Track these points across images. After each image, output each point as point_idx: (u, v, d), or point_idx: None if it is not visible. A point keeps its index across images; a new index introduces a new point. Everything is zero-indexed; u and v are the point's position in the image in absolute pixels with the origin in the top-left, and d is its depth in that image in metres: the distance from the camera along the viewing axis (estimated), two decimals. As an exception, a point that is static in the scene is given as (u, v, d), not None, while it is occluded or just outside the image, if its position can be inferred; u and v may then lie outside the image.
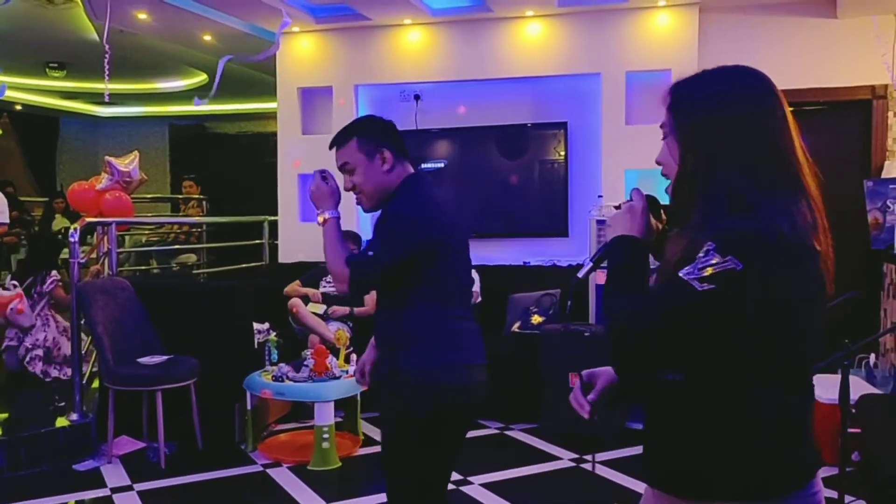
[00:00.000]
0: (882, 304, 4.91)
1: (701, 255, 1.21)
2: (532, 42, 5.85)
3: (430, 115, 6.17)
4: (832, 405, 3.74)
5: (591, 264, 1.38)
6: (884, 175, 5.00)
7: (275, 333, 4.88)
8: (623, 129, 5.59)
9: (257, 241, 6.96)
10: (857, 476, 3.40)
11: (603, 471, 3.95)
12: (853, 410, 3.57)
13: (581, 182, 5.85)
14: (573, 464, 4.09)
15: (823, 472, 3.90)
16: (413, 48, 6.09)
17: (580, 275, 1.38)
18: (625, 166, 5.53)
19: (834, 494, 2.97)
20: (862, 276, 4.94)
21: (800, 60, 5.38)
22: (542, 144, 5.96)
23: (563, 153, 5.87)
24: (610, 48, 5.66)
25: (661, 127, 1.38)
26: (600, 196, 5.46)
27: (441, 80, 6.06)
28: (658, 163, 1.39)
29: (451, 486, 3.71)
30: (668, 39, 5.54)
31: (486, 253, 5.85)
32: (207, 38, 6.49)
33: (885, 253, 4.52)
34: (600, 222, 4.84)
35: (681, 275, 1.22)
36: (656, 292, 1.31)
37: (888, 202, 4.51)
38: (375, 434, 4.60)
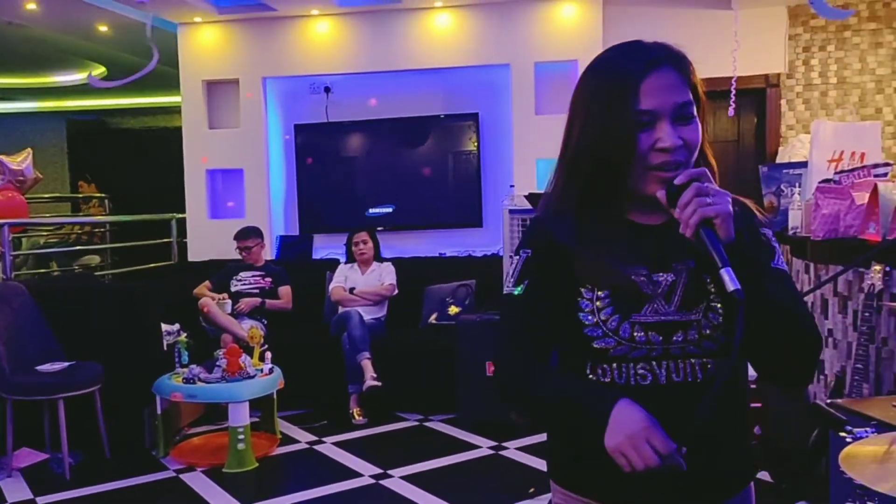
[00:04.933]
0: (779, 283, 5.16)
1: (775, 243, 1.24)
2: (442, 33, 5.86)
3: (342, 108, 6.11)
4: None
5: (731, 268, 1.08)
6: (778, 160, 5.24)
7: (185, 335, 4.74)
8: (533, 119, 5.67)
9: (165, 240, 6.74)
10: (758, 449, 3.55)
11: (521, 457, 4.01)
12: (753, 386, 3.73)
13: (494, 172, 5.91)
14: (492, 452, 4.13)
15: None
16: (322, 40, 6.00)
17: (738, 286, 1.06)
18: (536, 156, 5.61)
19: (738, 467, 3.09)
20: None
21: (698, 51, 5.56)
22: (455, 136, 5.98)
23: (475, 144, 5.91)
24: (518, 39, 5.72)
25: (688, 105, 1.18)
26: (512, 186, 5.53)
27: (351, 73, 6.00)
28: (691, 145, 1.18)
29: (370, 481, 3.72)
30: (573, 30, 5.64)
31: (402, 245, 5.85)
32: (103, 28, 6.22)
33: (780, 235, 4.75)
34: (513, 212, 4.90)
35: (783, 267, 1.22)
36: (796, 289, 1.21)
37: (782, 186, 4.73)
38: (293, 432, 4.54)
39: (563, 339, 1.25)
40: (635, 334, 1.19)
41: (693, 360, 1.19)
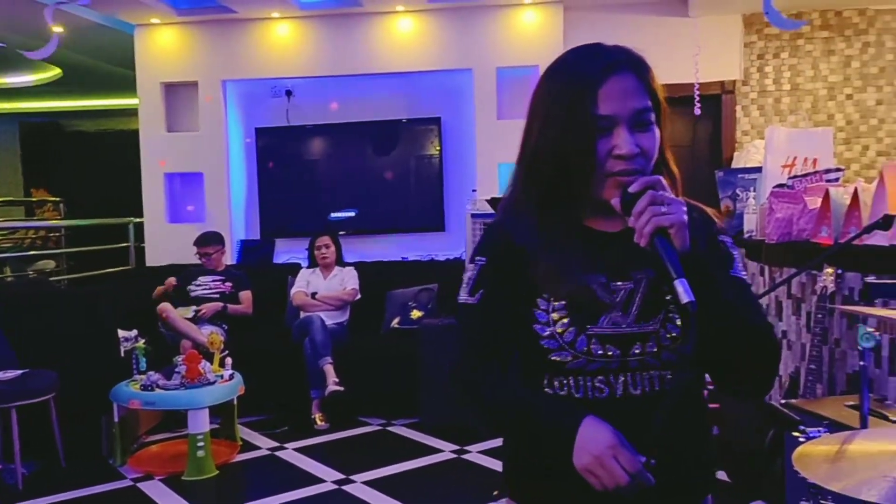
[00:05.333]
0: (736, 286, 5.26)
1: (734, 250, 1.22)
2: (404, 37, 5.86)
3: (303, 112, 6.07)
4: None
5: (685, 279, 1.05)
6: (734, 165, 5.35)
7: (143, 340, 4.65)
8: (495, 124, 5.70)
9: (123, 245, 6.62)
10: (716, 449, 3.61)
11: (483, 460, 4.02)
12: (710, 387, 3.80)
13: (456, 177, 5.92)
14: (455, 455, 4.13)
15: (686, 447, 4.00)
16: (283, 42, 5.96)
17: (692, 298, 1.03)
18: (498, 160, 5.64)
19: (696, 467, 3.14)
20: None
21: (657, 57, 5.65)
22: (417, 140, 5.99)
23: (437, 148, 5.92)
24: (480, 44, 5.75)
25: (647, 111, 1.15)
26: (474, 190, 5.55)
27: (313, 76, 5.97)
28: (648, 152, 1.15)
29: (333, 487, 3.70)
30: (535, 36, 5.69)
31: (364, 249, 5.83)
32: (57, 30, 6.08)
33: (735, 238, 4.85)
34: (476, 216, 4.92)
35: (741, 275, 1.20)
36: (754, 298, 1.21)
37: (737, 191, 4.82)
38: (254, 439, 4.49)
39: (520, 350, 1.22)
40: (592, 347, 1.16)
41: (652, 373, 1.17)
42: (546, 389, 1.19)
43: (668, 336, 1.16)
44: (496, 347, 1.22)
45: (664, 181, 1.11)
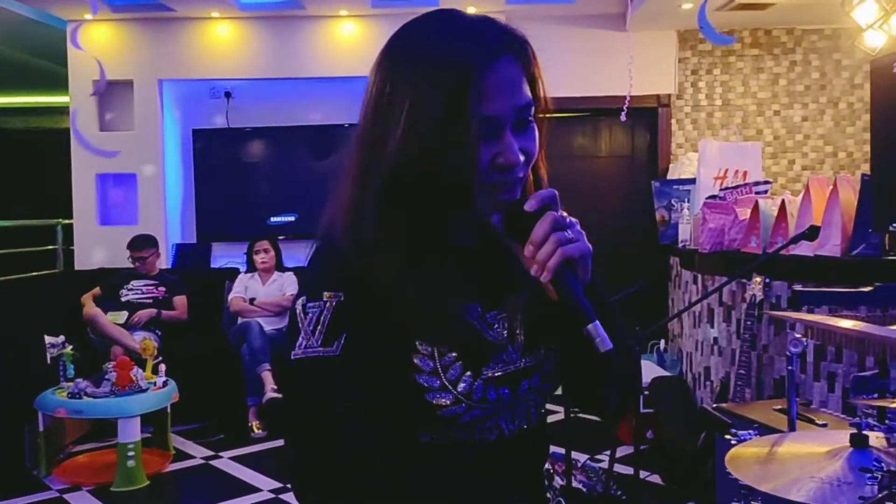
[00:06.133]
0: (670, 293, 5.40)
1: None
2: (347, 42, 5.84)
3: (243, 114, 5.98)
4: (629, 389, 4.05)
5: (598, 322, 0.87)
6: (669, 176, 5.50)
7: (71, 347, 4.49)
8: (437, 131, 5.71)
9: (50, 247, 6.39)
10: (651, 452, 3.70)
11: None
12: (646, 392, 3.89)
13: (397, 183, 5.91)
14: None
15: (621, 451, 4.17)
16: (222, 43, 5.85)
17: (610, 346, 0.86)
18: (439, 167, 5.65)
19: (630, 470, 3.21)
20: (652, 268, 5.40)
21: (596, 70, 5.78)
22: (358, 145, 5.95)
23: (378, 154, 5.90)
24: (422, 51, 5.76)
25: (529, 107, 0.93)
26: (416, 196, 5.55)
27: (254, 78, 5.89)
28: (531, 157, 0.95)
29: (269, 496, 3.64)
30: (477, 45, 5.72)
31: (304, 254, 5.74)
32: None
33: (670, 247, 4.98)
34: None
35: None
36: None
37: (672, 201, 4.96)
38: (188, 448, 4.38)
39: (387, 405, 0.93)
40: (488, 394, 0.95)
41: (530, 406, 1.02)
42: (422, 439, 0.96)
43: (552, 365, 1.02)
44: (377, 423, 0.90)
45: (558, 196, 0.92)
